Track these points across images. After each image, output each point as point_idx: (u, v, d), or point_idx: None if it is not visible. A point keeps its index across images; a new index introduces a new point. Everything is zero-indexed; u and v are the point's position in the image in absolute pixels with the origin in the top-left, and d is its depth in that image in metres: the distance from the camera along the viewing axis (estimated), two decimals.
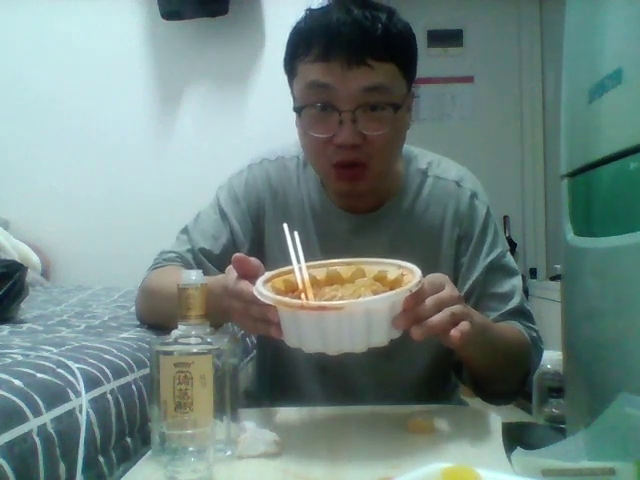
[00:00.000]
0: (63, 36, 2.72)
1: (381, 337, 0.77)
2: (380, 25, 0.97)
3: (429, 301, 0.79)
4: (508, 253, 1.15)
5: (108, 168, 2.70)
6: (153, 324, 1.19)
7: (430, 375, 1.15)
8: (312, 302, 0.77)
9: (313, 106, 1.00)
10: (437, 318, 0.79)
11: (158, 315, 1.13)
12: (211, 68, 2.71)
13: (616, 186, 0.99)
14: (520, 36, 3.91)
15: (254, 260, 0.85)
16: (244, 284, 0.82)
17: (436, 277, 0.83)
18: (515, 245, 3.65)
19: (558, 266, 2.73)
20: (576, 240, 1.13)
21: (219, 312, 0.84)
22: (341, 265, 0.87)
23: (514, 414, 1.36)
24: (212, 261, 1.11)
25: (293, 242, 0.85)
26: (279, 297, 0.77)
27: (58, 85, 2.71)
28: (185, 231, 1.17)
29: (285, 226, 0.87)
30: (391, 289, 0.79)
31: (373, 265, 0.86)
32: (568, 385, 1.22)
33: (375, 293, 0.78)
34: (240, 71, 2.70)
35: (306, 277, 0.82)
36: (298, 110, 1.02)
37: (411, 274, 0.80)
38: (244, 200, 1.15)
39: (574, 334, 1.16)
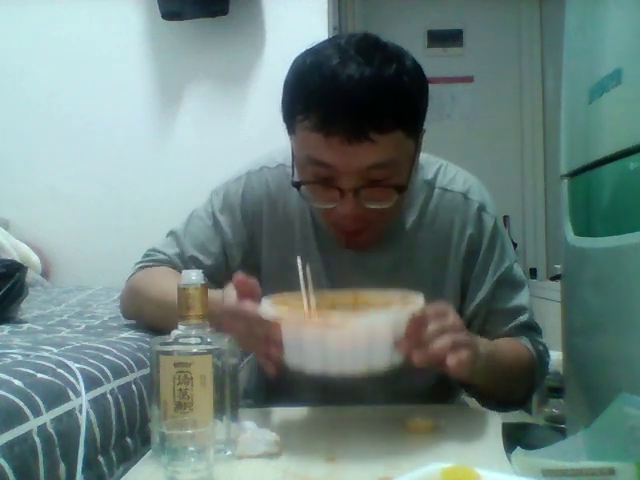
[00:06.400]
0: (63, 36, 2.71)
1: (383, 360, 0.78)
2: (384, 90, 0.89)
3: (432, 327, 0.80)
4: (516, 264, 1.12)
5: (108, 168, 2.69)
6: (136, 322, 1.19)
7: (432, 397, 1.12)
8: (316, 319, 0.79)
9: (313, 181, 0.95)
10: (438, 344, 0.79)
11: (144, 317, 1.13)
12: (211, 68, 2.70)
13: (616, 186, 0.99)
14: (520, 36, 3.90)
15: (254, 281, 0.84)
16: (248, 304, 0.82)
17: (439, 305, 0.84)
18: (515, 245, 3.65)
19: (558, 266, 2.73)
20: (576, 240, 1.13)
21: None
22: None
23: (514, 414, 1.36)
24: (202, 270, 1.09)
25: (304, 273, 0.84)
26: (285, 311, 0.79)
27: (58, 85, 2.70)
28: (175, 234, 1.13)
29: (299, 259, 0.84)
30: None
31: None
32: (568, 385, 1.22)
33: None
34: (240, 71, 2.70)
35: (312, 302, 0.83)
36: (297, 185, 0.98)
37: (413, 304, 0.81)
38: (239, 210, 1.10)
39: (574, 334, 1.17)
